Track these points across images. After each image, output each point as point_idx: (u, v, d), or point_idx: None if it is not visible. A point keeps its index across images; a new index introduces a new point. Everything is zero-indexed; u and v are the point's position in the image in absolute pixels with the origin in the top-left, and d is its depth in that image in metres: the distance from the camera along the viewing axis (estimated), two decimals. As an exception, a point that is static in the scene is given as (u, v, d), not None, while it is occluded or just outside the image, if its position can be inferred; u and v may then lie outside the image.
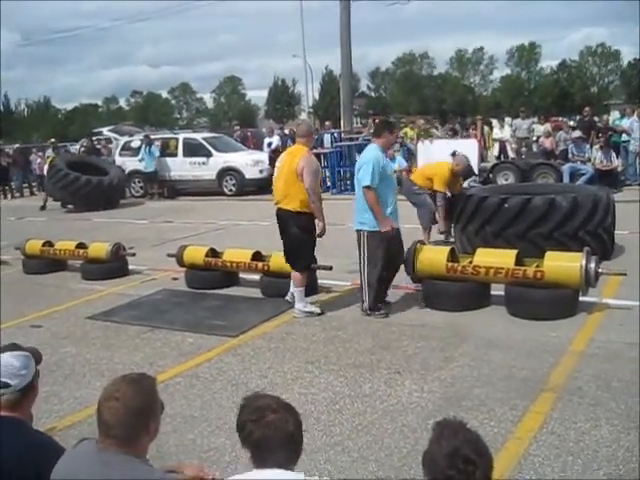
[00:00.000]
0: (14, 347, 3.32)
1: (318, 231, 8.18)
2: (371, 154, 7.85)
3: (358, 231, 7.96)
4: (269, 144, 23.42)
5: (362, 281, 8.04)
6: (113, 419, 2.56)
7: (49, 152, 25.26)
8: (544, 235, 9.48)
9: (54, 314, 9.00)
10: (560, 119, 35.14)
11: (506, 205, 9.77)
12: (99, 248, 11.00)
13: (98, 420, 2.62)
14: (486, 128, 25.07)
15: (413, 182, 11.61)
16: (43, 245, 11.73)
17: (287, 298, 8.54)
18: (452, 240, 11.10)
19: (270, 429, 2.38)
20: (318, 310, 8.18)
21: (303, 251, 8.17)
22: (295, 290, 8.25)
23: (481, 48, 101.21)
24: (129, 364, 6.78)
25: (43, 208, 22.71)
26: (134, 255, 11.27)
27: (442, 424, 2.34)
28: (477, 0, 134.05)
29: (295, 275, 8.22)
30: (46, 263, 11.72)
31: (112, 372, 6.27)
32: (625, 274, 7.65)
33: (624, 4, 79.50)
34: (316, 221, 8.13)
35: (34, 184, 29.67)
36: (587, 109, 22.84)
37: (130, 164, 24.01)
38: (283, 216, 8.16)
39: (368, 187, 7.65)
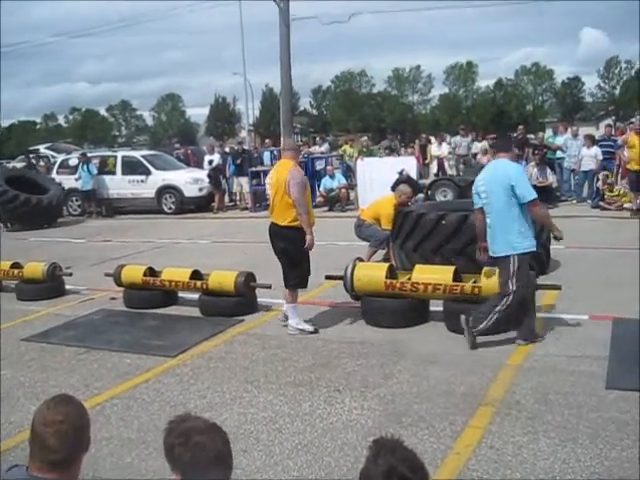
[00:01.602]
0: None
1: (306, 244, 7.98)
2: (515, 168, 7.20)
3: (506, 257, 7.01)
4: (210, 162, 23.34)
5: (504, 313, 7.01)
6: (58, 443, 2.50)
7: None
8: None
9: (-13, 336, 8.79)
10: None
11: (444, 222, 9.85)
12: (35, 268, 10.79)
13: (38, 446, 2.54)
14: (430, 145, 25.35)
15: (363, 219, 11.49)
16: (-24, 266, 11.45)
17: (279, 317, 8.43)
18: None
19: (199, 450, 2.35)
20: (311, 328, 8.05)
21: (295, 266, 8.04)
22: (288, 306, 8.13)
23: (418, 67, 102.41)
24: (65, 386, 6.63)
25: None
26: (71, 275, 11.08)
27: (379, 442, 2.33)
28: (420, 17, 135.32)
29: (286, 294, 8.13)
30: (-21, 284, 11.43)
31: (47, 395, 6.04)
32: (560, 288, 7.76)
33: (565, 24, 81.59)
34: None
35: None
36: (521, 127, 23.27)
37: (68, 182, 23.57)
38: (272, 231, 8.13)
39: (533, 201, 6.94)
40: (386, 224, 10.98)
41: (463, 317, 7.08)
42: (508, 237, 6.93)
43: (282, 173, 7.97)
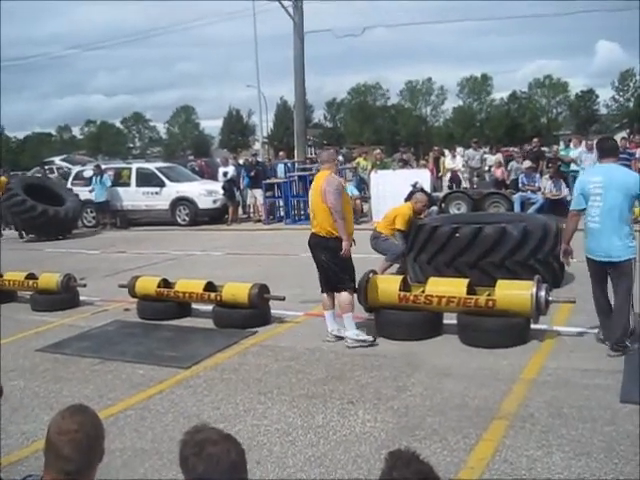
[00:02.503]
0: None
1: (342, 251, 7.86)
2: (635, 177, 7.19)
3: (627, 261, 7.04)
4: (224, 174, 23.42)
5: (622, 316, 7.06)
6: (73, 452, 2.50)
7: (2, 178, 24.35)
8: (496, 264, 9.60)
9: (2, 346, 8.78)
10: (511, 149, 35.66)
11: (457, 235, 9.85)
12: (49, 279, 10.84)
13: (53, 456, 2.55)
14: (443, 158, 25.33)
15: (379, 232, 11.38)
16: (-8, 276, 11.52)
17: (327, 338, 8.16)
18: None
19: (213, 461, 2.35)
20: (371, 338, 7.93)
21: (343, 273, 7.93)
22: (345, 317, 7.97)
23: (429, 79, 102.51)
24: (79, 397, 6.64)
25: None
26: (85, 286, 11.12)
27: (395, 455, 2.33)
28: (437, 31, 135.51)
29: (342, 303, 7.95)
30: (-5, 294, 11.49)
31: (61, 405, 6.08)
32: (574, 302, 7.76)
33: (579, 37, 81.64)
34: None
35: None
36: (535, 140, 23.25)
37: (82, 194, 23.71)
38: (314, 242, 8.01)
39: None
40: (401, 224, 10.94)
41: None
42: (625, 241, 7.02)
43: (319, 183, 7.93)
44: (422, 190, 13.39)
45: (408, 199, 11.65)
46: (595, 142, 8.39)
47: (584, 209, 7.19)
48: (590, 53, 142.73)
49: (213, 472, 2.35)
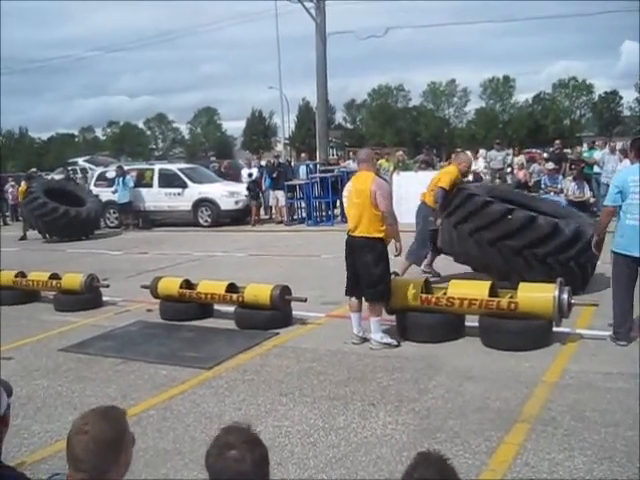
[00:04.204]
0: None
1: (395, 253, 7.99)
2: None
3: None
4: (249, 174, 23.49)
5: None
6: (83, 453, 2.51)
7: (23, 183, 24.62)
8: (539, 257, 9.40)
9: (26, 346, 8.89)
10: (534, 151, 35.53)
11: (510, 217, 9.62)
12: (73, 279, 10.93)
13: (68, 454, 2.57)
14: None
15: (427, 205, 11.15)
16: (16, 276, 11.60)
17: (352, 340, 8.14)
18: (431, 274, 11.07)
19: (225, 466, 2.36)
20: (395, 342, 7.92)
21: (381, 278, 7.85)
22: (372, 320, 7.94)
23: (453, 80, 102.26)
24: (102, 397, 6.70)
25: (23, 238, 22.48)
26: (108, 286, 11.20)
27: (422, 455, 2.35)
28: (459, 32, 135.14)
29: (371, 306, 7.95)
30: (19, 294, 11.57)
31: (84, 405, 6.20)
32: (597, 305, 7.71)
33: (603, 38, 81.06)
34: (392, 243, 7.92)
35: (7, 214, 29.49)
36: (558, 142, 23.15)
37: (105, 195, 23.90)
38: (357, 243, 7.87)
39: None
40: (445, 182, 10.57)
41: None
42: None
43: (365, 185, 7.81)
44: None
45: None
46: (630, 142, 8.42)
47: (620, 206, 7.20)
48: (615, 54, 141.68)
49: (223, 476, 2.37)
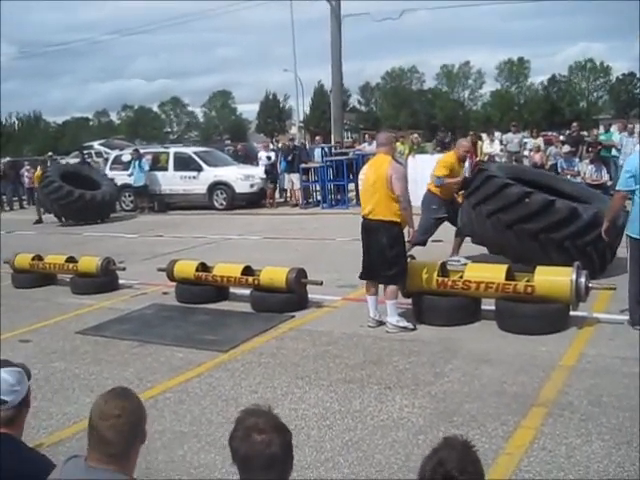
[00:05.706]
0: (6, 363, 3.22)
1: (408, 238, 7.98)
2: None
3: None
4: (268, 157, 23.42)
5: None
6: (117, 436, 2.54)
7: (39, 168, 24.59)
8: (555, 242, 9.31)
9: (43, 329, 8.95)
10: (550, 133, 35.28)
11: (527, 200, 9.52)
12: (89, 262, 10.97)
13: (94, 438, 2.58)
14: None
15: (431, 193, 11.20)
16: (32, 259, 11.68)
17: (368, 323, 8.12)
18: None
19: (253, 449, 2.36)
20: (411, 325, 7.90)
21: (396, 262, 7.82)
22: (388, 303, 7.91)
23: (467, 62, 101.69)
24: (119, 379, 6.72)
25: (39, 222, 22.59)
26: (124, 269, 11.23)
27: (447, 439, 2.36)
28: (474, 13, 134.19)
29: (388, 289, 7.90)
30: (35, 277, 11.67)
31: (101, 387, 6.20)
32: (615, 288, 7.64)
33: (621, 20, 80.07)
34: (406, 228, 7.90)
35: (24, 197, 29.62)
36: (575, 124, 23.00)
37: (120, 178, 23.94)
38: (373, 226, 7.83)
39: None
40: (441, 170, 10.77)
41: None
42: None
43: (382, 168, 7.77)
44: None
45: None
46: None
47: (633, 191, 7.14)
48: (633, 36, 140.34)
49: (252, 460, 2.36)
